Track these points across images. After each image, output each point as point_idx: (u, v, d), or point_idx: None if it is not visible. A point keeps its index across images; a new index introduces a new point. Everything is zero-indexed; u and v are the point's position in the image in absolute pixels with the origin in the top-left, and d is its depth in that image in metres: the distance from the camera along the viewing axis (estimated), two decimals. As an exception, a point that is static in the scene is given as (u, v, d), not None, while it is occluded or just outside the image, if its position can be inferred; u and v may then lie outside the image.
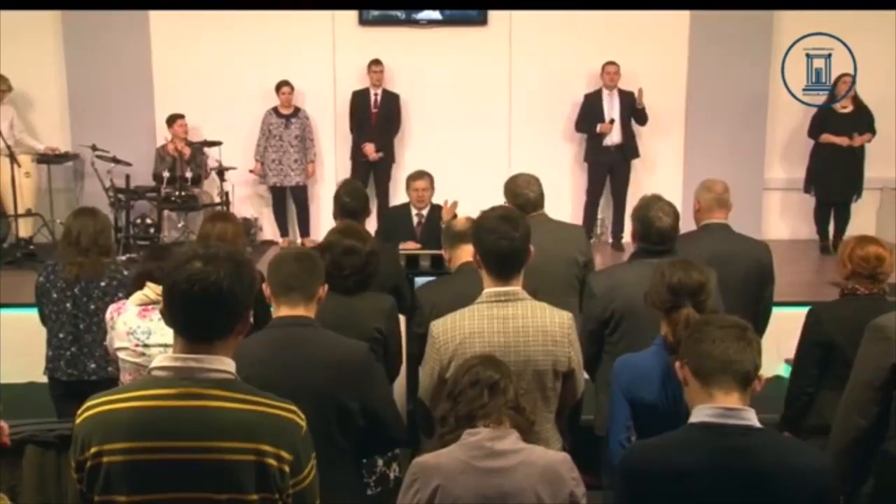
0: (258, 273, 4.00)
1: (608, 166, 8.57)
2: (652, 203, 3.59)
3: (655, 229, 3.53)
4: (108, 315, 3.43)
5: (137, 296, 3.36)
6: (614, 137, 8.47)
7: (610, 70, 8.45)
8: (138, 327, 3.29)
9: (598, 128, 8.43)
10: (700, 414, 2.18)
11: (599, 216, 8.85)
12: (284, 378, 2.63)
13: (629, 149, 8.56)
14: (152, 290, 3.30)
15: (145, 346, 3.26)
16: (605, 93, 8.51)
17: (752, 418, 2.17)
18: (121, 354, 3.32)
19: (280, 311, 2.79)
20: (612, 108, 8.47)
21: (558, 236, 4.28)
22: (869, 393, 2.94)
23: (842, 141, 8.15)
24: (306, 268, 2.79)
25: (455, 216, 5.48)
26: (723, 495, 2.11)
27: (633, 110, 8.44)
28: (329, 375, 2.68)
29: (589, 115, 8.53)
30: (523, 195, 4.27)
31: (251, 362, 2.65)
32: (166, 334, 3.16)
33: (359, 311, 3.38)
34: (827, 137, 8.21)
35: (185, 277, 1.87)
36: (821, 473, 2.19)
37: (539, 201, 4.30)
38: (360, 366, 2.75)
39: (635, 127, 8.58)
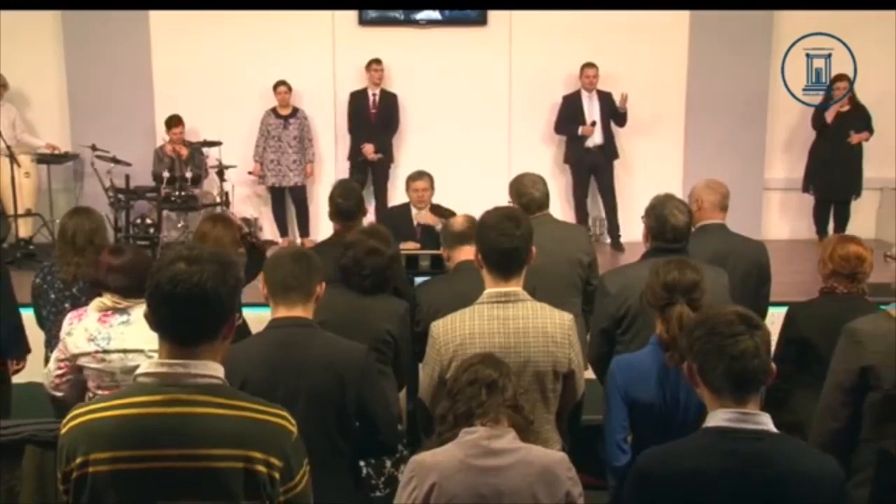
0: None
1: (590, 167, 8.57)
2: (666, 201, 3.60)
3: (671, 227, 3.53)
4: (66, 321, 3.34)
5: (96, 303, 3.30)
6: (595, 138, 8.47)
7: (589, 73, 8.44)
8: (99, 333, 3.24)
9: (580, 130, 8.42)
10: (715, 418, 2.13)
11: (595, 216, 8.85)
12: (283, 379, 2.64)
13: (609, 149, 8.57)
14: (108, 299, 3.27)
15: (105, 352, 3.21)
16: (585, 94, 8.51)
17: (767, 423, 2.12)
18: (82, 361, 3.26)
19: (278, 311, 2.78)
20: (591, 109, 8.47)
21: (562, 236, 4.28)
22: (840, 395, 2.95)
23: (832, 112, 8.10)
24: (304, 267, 2.79)
25: (449, 213, 5.48)
26: (736, 500, 2.09)
27: (613, 111, 8.45)
28: (327, 376, 2.68)
29: (568, 116, 8.53)
30: (528, 195, 4.27)
31: (250, 364, 2.66)
32: (126, 340, 3.18)
33: (371, 312, 3.38)
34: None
35: (169, 278, 1.84)
36: (835, 479, 2.15)
37: (544, 201, 4.30)
38: (358, 367, 2.74)
39: (614, 128, 8.58)
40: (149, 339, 1.93)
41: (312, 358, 2.70)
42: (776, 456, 2.10)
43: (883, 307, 3.58)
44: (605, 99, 8.46)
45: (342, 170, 8.83)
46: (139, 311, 3.13)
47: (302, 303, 2.76)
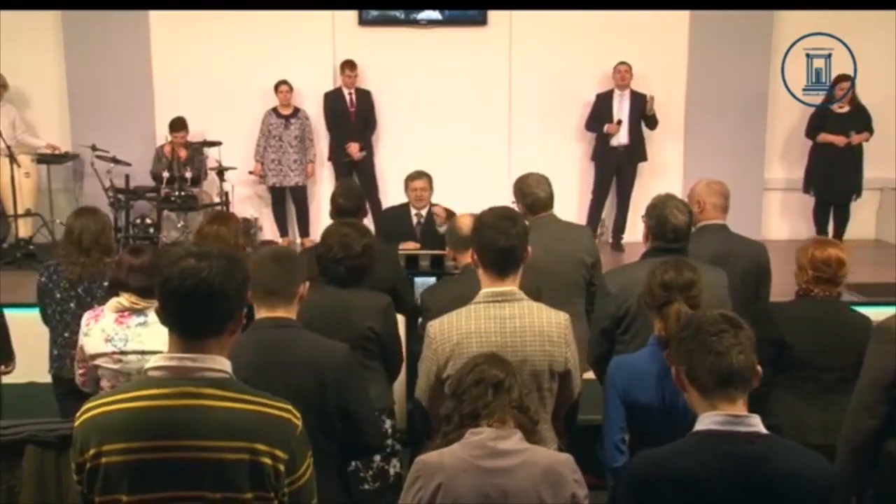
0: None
1: (615, 167, 8.55)
2: (667, 201, 3.61)
3: (671, 226, 3.54)
4: (84, 321, 3.40)
5: (113, 303, 3.33)
6: (621, 138, 8.45)
7: (620, 69, 8.44)
8: (116, 334, 3.27)
9: (605, 128, 8.42)
10: (706, 421, 2.15)
11: (603, 217, 8.85)
12: (265, 380, 2.61)
13: (636, 151, 8.54)
14: (126, 299, 3.29)
15: (122, 353, 3.25)
16: (616, 93, 8.50)
17: (757, 424, 2.15)
18: (99, 361, 3.30)
19: (260, 312, 2.78)
20: (621, 108, 8.45)
21: (566, 237, 4.29)
22: (877, 393, 2.94)
23: (839, 140, 8.16)
24: (284, 268, 2.79)
25: (452, 214, 5.48)
26: (731, 503, 2.10)
27: (643, 113, 8.44)
28: (310, 377, 2.67)
29: (598, 114, 8.52)
30: (533, 195, 4.27)
31: (232, 365, 2.65)
32: (143, 341, 3.21)
33: (352, 308, 3.38)
34: (824, 137, 8.23)
35: (178, 273, 1.89)
36: (827, 480, 2.18)
37: (549, 201, 4.30)
38: (340, 367, 2.74)
39: (644, 130, 8.56)
40: (166, 341, 1.97)
41: (294, 358, 2.70)
42: (769, 458, 2.12)
43: (855, 307, 3.60)
44: (637, 99, 8.44)
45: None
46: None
47: (284, 304, 2.77)
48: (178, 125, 8.25)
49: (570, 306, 3.89)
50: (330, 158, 8.78)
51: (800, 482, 2.12)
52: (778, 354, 3.49)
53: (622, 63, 8.45)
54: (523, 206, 4.29)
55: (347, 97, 8.64)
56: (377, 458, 3.46)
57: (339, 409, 2.72)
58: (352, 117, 8.64)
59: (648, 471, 2.20)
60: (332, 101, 8.67)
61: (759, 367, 2.21)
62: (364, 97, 8.68)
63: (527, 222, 4.17)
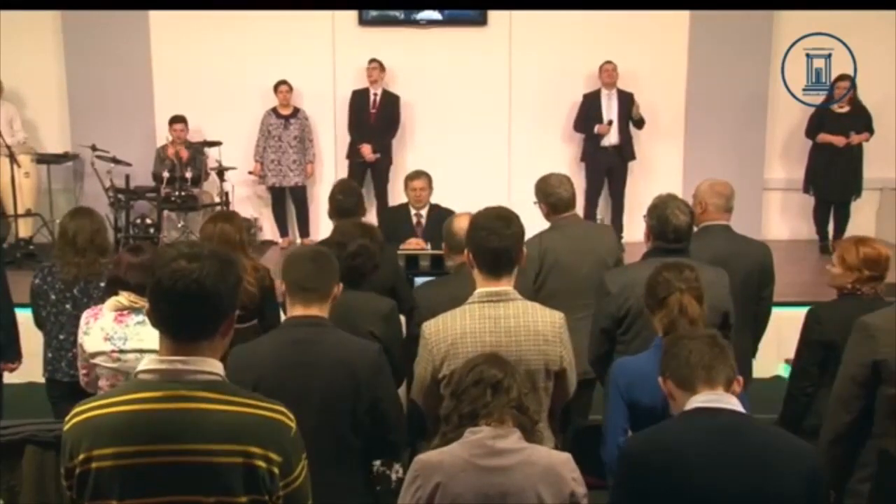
0: (267, 272, 4.01)
1: (606, 167, 8.54)
2: (668, 201, 3.62)
3: (672, 227, 3.54)
4: (83, 320, 3.40)
5: (111, 302, 3.34)
6: (612, 138, 8.45)
7: (607, 68, 8.44)
8: (115, 333, 3.28)
9: (596, 129, 8.41)
10: (691, 403, 2.31)
11: (598, 217, 8.85)
12: (296, 378, 2.64)
13: (626, 150, 8.55)
14: (125, 297, 3.30)
15: (121, 351, 3.26)
16: (604, 93, 8.49)
17: (737, 404, 2.31)
18: (98, 360, 3.31)
19: (294, 310, 2.80)
20: (610, 108, 8.45)
21: (589, 236, 4.30)
22: (854, 389, 3.00)
23: (839, 141, 8.16)
24: (320, 267, 2.81)
25: (448, 213, 5.47)
26: (722, 473, 2.20)
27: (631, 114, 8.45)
28: (341, 375, 2.69)
29: (587, 115, 8.51)
30: (556, 194, 4.26)
31: (264, 362, 2.67)
32: (142, 340, 3.21)
33: (354, 312, 3.37)
34: (824, 137, 8.23)
35: (169, 274, 1.86)
36: (812, 455, 2.32)
37: (571, 202, 4.30)
38: (372, 366, 2.76)
39: (633, 129, 8.57)
40: None
41: (326, 356, 2.71)
42: (756, 431, 2.27)
43: None
44: (625, 99, 8.44)
45: (342, 170, 8.82)
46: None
47: (318, 302, 2.79)
48: (176, 118, 8.29)
49: (588, 308, 3.89)
50: (347, 157, 8.74)
51: (786, 455, 2.24)
52: (825, 355, 3.47)
53: (608, 62, 8.45)
54: (546, 206, 4.28)
55: (372, 98, 8.61)
56: (377, 462, 3.44)
57: (370, 408, 2.73)
58: (371, 118, 8.61)
59: (639, 448, 2.34)
60: (357, 99, 8.64)
61: (740, 377, 2.38)
62: (390, 100, 8.63)
63: (549, 223, 4.24)
